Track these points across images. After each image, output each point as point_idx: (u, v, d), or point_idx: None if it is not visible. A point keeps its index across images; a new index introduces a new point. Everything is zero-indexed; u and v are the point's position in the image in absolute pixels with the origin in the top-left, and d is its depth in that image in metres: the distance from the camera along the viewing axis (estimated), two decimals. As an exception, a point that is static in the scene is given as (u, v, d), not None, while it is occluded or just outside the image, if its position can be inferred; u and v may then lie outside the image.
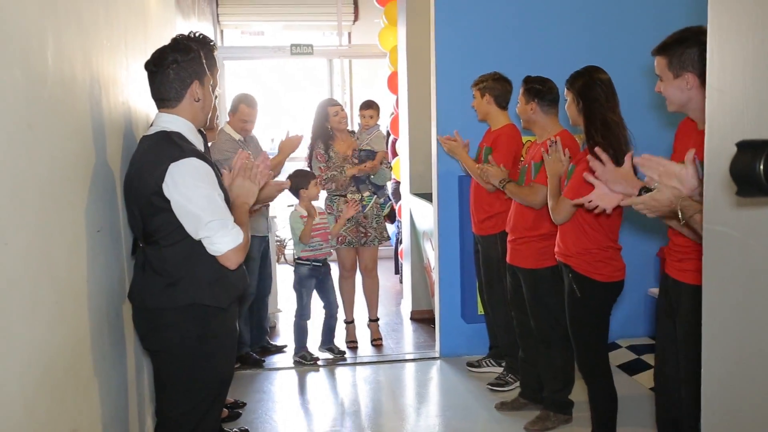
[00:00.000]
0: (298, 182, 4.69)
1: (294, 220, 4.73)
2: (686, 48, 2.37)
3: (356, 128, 5.69)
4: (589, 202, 2.66)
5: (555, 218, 3.22)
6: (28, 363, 1.63)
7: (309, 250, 4.76)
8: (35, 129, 1.68)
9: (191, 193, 2.22)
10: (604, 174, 2.57)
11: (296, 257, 4.84)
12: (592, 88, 3.08)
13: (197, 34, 3.16)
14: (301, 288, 4.82)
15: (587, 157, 2.66)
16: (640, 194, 2.39)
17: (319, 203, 5.01)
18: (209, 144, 3.64)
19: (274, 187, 2.96)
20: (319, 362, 4.81)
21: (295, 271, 4.85)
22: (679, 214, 2.13)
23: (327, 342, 4.96)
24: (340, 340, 5.09)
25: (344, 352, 4.96)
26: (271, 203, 4.73)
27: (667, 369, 2.66)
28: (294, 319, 4.86)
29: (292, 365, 4.80)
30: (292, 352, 4.89)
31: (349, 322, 5.24)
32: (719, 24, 1.62)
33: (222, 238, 2.25)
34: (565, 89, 3.21)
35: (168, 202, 2.22)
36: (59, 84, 1.91)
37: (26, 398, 1.61)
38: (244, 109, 4.54)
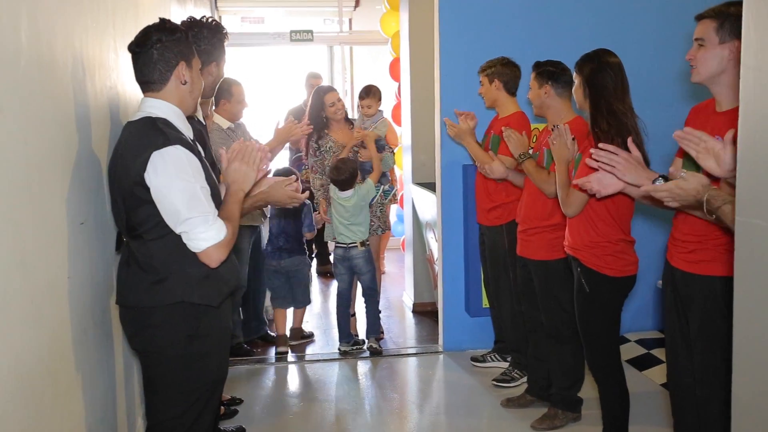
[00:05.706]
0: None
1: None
2: None
3: (356, 116, 5.52)
4: (587, 183, 2.58)
5: (566, 210, 3.08)
6: (-3, 370, 1.49)
7: None
8: (5, 113, 1.53)
9: (171, 185, 2.08)
10: (613, 163, 2.44)
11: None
12: (601, 74, 2.95)
13: (209, 20, 2.99)
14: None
15: (591, 150, 2.53)
16: (655, 183, 2.28)
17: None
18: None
19: (287, 194, 2.74)
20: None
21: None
22: (704, 205, 2.00)
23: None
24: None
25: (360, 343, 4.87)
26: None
27: (681, 368, 2.54)
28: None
29: (288, 360, 4.67)
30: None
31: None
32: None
33: (202, 234, 2.11)
34: (574, 72, 3.08)
35: (150, 192, 2.08)
36: (35, 66, 1.76)
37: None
38: (237, 89, 4.32)
